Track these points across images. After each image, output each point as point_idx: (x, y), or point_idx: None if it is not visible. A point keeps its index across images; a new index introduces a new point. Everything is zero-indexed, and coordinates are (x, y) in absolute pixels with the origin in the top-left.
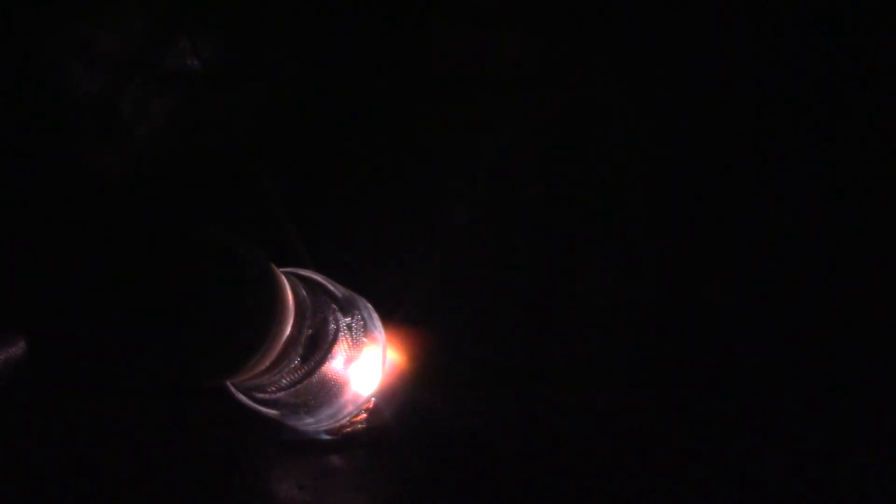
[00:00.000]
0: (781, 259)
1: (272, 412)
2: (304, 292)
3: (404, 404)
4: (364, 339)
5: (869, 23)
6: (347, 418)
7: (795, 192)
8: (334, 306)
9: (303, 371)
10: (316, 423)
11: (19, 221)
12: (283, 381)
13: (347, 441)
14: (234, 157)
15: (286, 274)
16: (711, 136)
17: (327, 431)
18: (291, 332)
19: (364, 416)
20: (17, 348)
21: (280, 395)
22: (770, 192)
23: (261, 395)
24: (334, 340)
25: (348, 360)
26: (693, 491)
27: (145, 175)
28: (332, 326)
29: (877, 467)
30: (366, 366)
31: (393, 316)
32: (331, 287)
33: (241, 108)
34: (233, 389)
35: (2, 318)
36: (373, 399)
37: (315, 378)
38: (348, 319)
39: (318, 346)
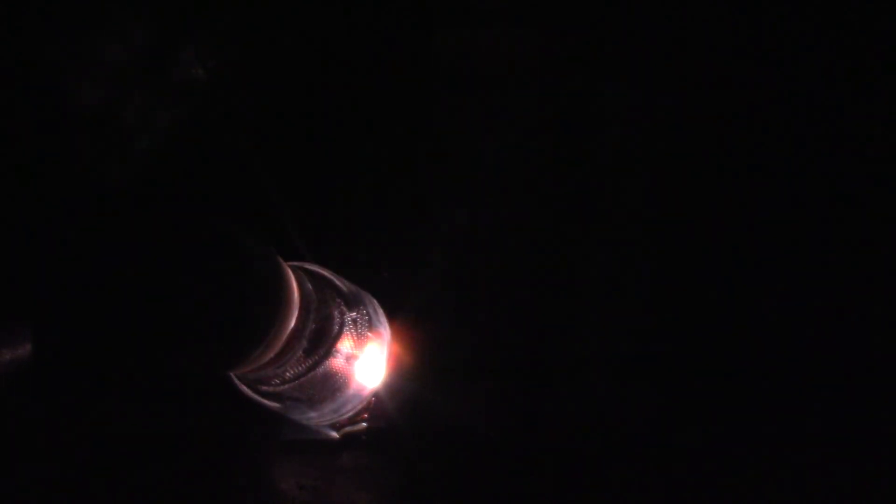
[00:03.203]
0: (783, 257)
1: (275, 405)
2: (309, 286)
3: (407, 400)
4: (368, 334)
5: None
6: (350, 413)
7: (797, 189)
8: (340, 301)
9: (307, 364)
10: (319, 418)
11: (24, 224)
12: (287, 373)
13: (348, 440)
14: (238, 163)
15: (293, 267)
16: (713, 135)
17: (330, 426)
18: (296, 324)
19: (365, 415)
20: (24, 348)
21: (284, 388)
22: (772, 190)
23: (265, 388)
24: (339, 335)
25: (352, 355)
26: (693, 490)
27: (149, 184)
28: (337, 321)
29: (877, 467)
30: (370, 361)
31: (397, 312)
32: (337, 282)
33: (246, 116)
34: (237, 381)
35: (8, 316)
36: (373, 399)
37: (319, 372)
38: (353, 314)
39: (322, 339)
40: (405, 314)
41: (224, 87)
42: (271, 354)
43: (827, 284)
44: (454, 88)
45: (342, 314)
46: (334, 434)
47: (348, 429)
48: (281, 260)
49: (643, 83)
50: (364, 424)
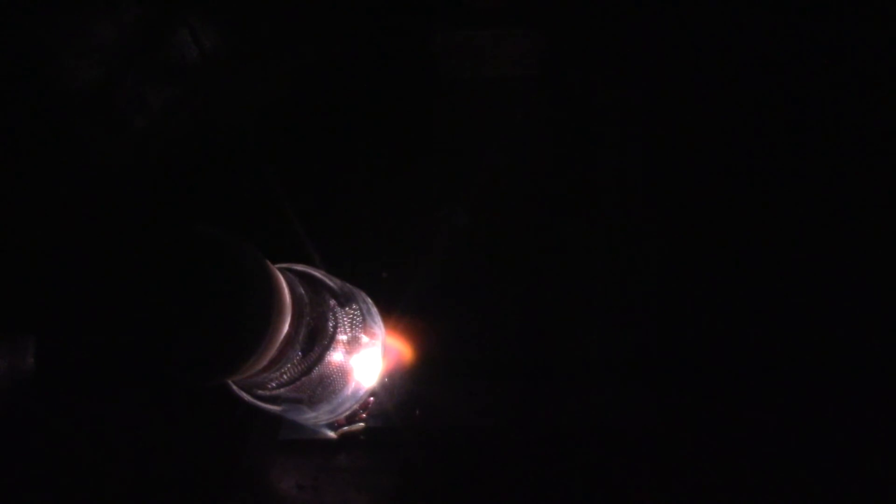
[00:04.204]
0: (782, 258)
1: (274, 408)
2: (301, 289)
3: (404, 399)
4: (363, 333)
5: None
6: (348, 411)
7: (795, 191)
8: (333, 301)
9: (303, 367)
10: (317, 417)
11: (19, 221)
12: (284, 377)
13: (346, 440)
14: (234, 150)
15: (282, 270)
16: (711, 136)
17: (328, 425)
18: (289, 330)
19: (363, 415)
20: (24, 358)
21: (281, 391)
22: (770, 191)
23: (262, 392)
24: (333, 335)
25: (348, 354)
26: (691, 489)
27: (144, 165)
28: (331, 321)
29: (877, 467)
30: (365, 359)
31: (392, 309)
32: (328, 281)
33: (241, 100)
34: (234, 388)
35: (6, 323)
36: (371, 398)
37: (315, 373)
38: (347, 313)
39: (317, 341)
40: (402, 313)
41: (221, 70)
42: (265, 361)
43: (827, 286)
44: (454, 89)
45: (335, 314)
46: (332, 434)
47: (346, 429)
48: (271, 266)
49: (643, 83)
50: (362, 424)
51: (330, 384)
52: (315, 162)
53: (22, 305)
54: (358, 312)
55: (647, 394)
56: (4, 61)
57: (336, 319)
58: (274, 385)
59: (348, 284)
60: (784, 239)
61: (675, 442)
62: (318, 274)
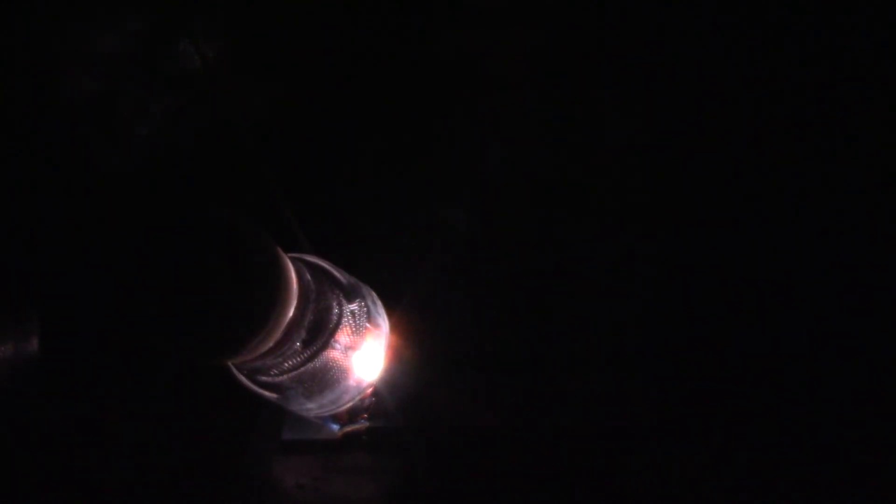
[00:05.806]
0: (781, 255)
1: (273, 396)
2: (308, 277)
3: (406, 397)
4: (367, 326)
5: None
6: (349, 404)
7: (794, 188)
8: (338, 292)
9: (305, 355)
10: (317, 409)
11: (24, 218)
12: (286, 364)
13: (348, 440)
14: (237, 156)
15: (292, 258)
16: (711, 135)
17: (328, 418)
18: (294, 314)
19: (365, 415)
20: (29, 342)
21: (282, 378)
22: (769, 188)
23: (263, 379)
24: (337, 326)
25: (351, 347)
26: (690, 486)
27: (147, 173)
28: (336, 312)
29: (876, 467)
30: (368, 353)
31: (392, 308)
32: (336, 273)
33: (244, 107)
34: (235, 371)
35: (12, 307)
36: (373, 399)
37: (317, 363)
38: (352, 306)
39: (321, 331)
40: (405, 308)
41: (224, 79)
42: (270, 344)
43: (826, 283)
44: (454, 88)
45: (341, 306)
46: (335, 427)
47: (348, 428)
48: (280, 250)
49: (642, 83)
50: (364, 423)
51: (331, 375)
52: (314, 163)
53: (28, 290)
54: (363, 305)
55: (647, 389)
56: (10, 71)
57: (341, 310)
58: (276, 372)
59: (354, 278)
60: (785, 236)
61: (676, 438)
62: (326, 265)
